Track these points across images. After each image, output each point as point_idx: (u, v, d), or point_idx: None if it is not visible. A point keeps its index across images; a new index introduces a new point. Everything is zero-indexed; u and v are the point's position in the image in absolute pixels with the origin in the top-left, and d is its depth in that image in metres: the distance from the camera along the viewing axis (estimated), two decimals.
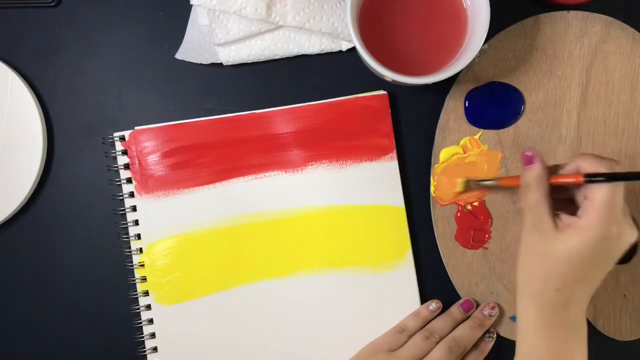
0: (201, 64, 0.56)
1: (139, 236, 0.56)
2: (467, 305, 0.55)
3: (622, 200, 0.42)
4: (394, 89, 0.56)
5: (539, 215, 0.44)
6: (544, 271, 0.44)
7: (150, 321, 0.56)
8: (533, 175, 0.44)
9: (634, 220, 0.46)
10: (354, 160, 0.56)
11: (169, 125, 0.56)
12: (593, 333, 0.55)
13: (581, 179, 0.42)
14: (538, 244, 0.44)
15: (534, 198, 0.44)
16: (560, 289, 0.43)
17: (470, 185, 0.54)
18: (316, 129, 0.56)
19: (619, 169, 0.42)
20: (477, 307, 0.55)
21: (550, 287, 0.44)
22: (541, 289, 0.44)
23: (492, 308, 0.55)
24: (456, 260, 0.56)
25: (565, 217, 0.43)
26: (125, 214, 0.56)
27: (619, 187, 0.42)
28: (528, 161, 0.45)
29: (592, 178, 0.42)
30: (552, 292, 0.44)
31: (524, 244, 0.45)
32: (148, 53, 0.57)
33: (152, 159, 0.56)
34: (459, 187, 0.55)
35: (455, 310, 0.55)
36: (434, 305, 0.55)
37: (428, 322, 0.55)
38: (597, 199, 0.41)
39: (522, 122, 0.55)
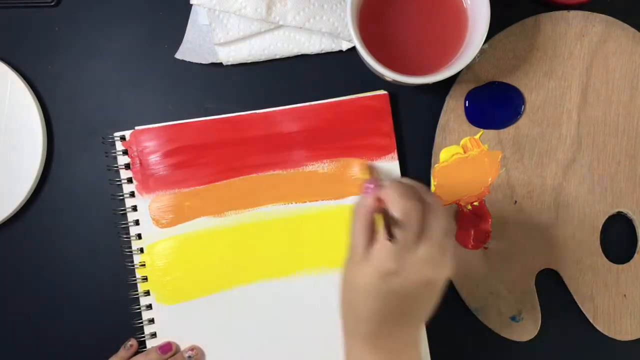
0: (201, 64, 0.56)
1: (139, 236, 0.56)
2: (165, 348, 0.55)
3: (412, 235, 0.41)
4: (394, 88, 0.56)
5: (355, 244, 0.42)
6: (350, 299, 0.43)
7: (152, 321, 0.56)
8: (363, 206, 0.42)
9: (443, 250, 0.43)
10: (354, 160, 0.56)
11: (170, 125, 0.56)
12: (593, 333, 0.55)
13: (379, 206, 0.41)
14: (347, 270, 0.43)
15: (357, 226, 0.42)
16: (363, 321, 0.42)
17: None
18: (317, 129, 0.56)
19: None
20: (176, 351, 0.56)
21: (355, 317, 0.43)
22: (347, 319, 0.44)
23: (192, 349, 0.55)
24: (456, 260, 0.55)
25: (374, 248, 0.41)
26: (125, 213, 0.56)
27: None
28: (366, 191, 0.43)
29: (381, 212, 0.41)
30: (356, 322, 0.43)
31: (343, 273, 0.44)
32: (148, 53, 0.57)
33: (153, 158, 0.56)
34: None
35: (152, 352, 0.55)
36: (128, 344, 0.56)
37: None
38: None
39: (522, 122, 0.55)
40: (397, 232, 0.40)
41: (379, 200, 0.42)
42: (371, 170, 0.44)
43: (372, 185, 0.43)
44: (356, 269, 0.42)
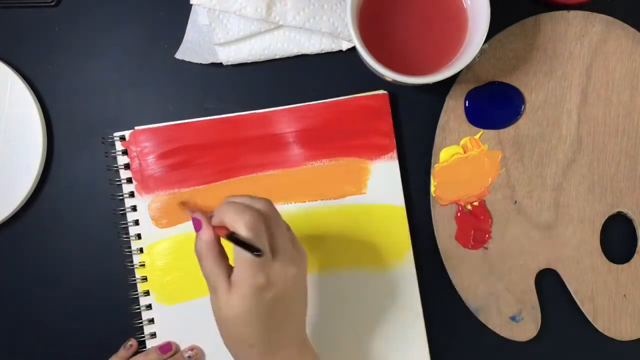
0: (201, 64, 0.56)
1: (139, 236, 0.56)
2: (165, 348, 0.55)
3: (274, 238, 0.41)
4: (394, 88, 0.56)
5: (214, 281, 0.41)
6: (231, 333, 0.43)
7: (151, 321, 0.56)
8: (203, 241, 0.41)
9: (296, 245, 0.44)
10: (354, 159, 0.56)
11: (169, 125, 0.56)
12: (593, 333, 0.55)
13: (223, 234, 0.40)
14: (217, 308, 0.42)
15: (208, 265, 0.41)
16: (254, 345, 0.42)
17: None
18: (316, 129, 0.56)
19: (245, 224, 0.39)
20: (176, 350, 0.55)
21: (245, 346, 0.42)
22: (237, 351, 0.43)
23: (192, 349, 0.55)
24: (456, 260, 0.56)
25: (234, 272, 0.41)
26: (125, 213, 0.56)
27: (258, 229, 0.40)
28: (197, 226, 0.42)
29: (230, 236, 0.40)
30: (248, 349, 0.42)
31: (213, 310, 0.43)
32: (148, 53, 0.57)
33: (153, 158, 0.56)
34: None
35: (152, 352, 0.55)
36: (128, 344, 0.56)
37: None
38: (236, 250, 0.40)
39: (522, 122, 0.55)
40: (252, 246, 0.39)
41: (217, 228, 0.41)
42: (187, 204, 0.44)
43: (200, 217, 0.42)
44: (227, 302, 0.41)
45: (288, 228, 0.45)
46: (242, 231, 0.39)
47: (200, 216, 0.42)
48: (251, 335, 0.42)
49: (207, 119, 0.56)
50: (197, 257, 0.42)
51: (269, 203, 0.43)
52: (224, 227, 0.41)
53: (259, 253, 0.39)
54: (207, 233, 0.41)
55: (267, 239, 0.41)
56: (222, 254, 0.42)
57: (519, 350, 0.56)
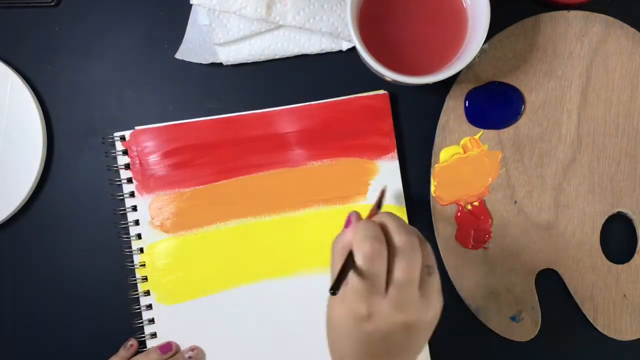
0: (201, 64, 0.56)
1: (139, 236, 0.56)
2: (165, 348, 0.55)
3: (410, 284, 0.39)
4: (394, 88, 0.56)
5: (332, 279, 0.39)
6: (331, 333, 0.42)
7: (152, 321, 0.56)
8: (341, 241, 0.40)
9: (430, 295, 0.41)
10: (354, 159, 0.56)
11: (170, 125, 0.56)
12: (593, 333, 0.55)
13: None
14: (329, 306, 0.41)
15: (334, 263, 0.40)
16: (345, 356, 0.41)
17: None
18: (316, 129, 0.56)
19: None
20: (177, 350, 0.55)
21: (337, 354, 0.41)
22: (332, 350, 0.42)
23: (192, 349, 0.55)
24: (456, 260, 0.56)
25: (347, 286, 0.39)
26: (125, 213, 0.56)
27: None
28: (347, 223, 0.41)
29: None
30: (338, 357, 0.41)
31: (327, 308, 0.42)
32: (148, 53, 0.57)
33: (153, 158, 0.56)
34: None
35: (152, 352, 0.55)
36: (128, 344, 0.56)
37: None
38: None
39: (522, 122, 0.55)
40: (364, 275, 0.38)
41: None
42: (380, 198, 0.43)
43: (353, 218, 0.41)
44: (335, 308, 0.40)
45: (431, 273, 0.41)
46: (358, 258, 0.38)
47: (354, 218, 0.41)
48: (345, 348, 0.41)
49: (207, 119, 0.56)
50: (332, 250, 0.41)
51: (408, 240, 0.39)
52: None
53: (333, 292, 0.36)
54: (347, 238, 0.40)
55: (382, 279, 0.38)
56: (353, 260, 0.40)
57: (519, 350, 0.56)
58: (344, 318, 0.39)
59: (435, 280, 0.41)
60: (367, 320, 0.39)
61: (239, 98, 0.57)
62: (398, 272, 0.39)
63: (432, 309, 0.40)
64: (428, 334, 0.42)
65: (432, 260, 0.41)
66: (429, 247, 0.42)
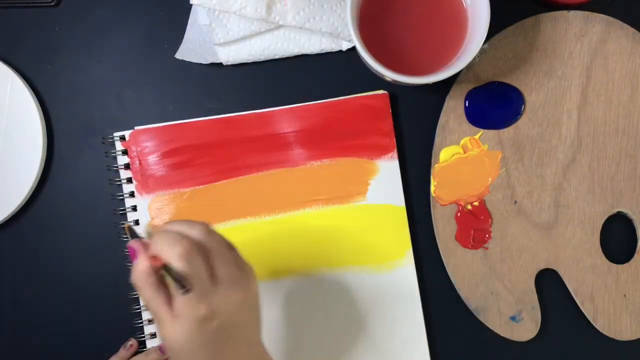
0: (201, 64, 0.56)
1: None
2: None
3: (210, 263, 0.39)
4: (394, 88, 0.56)
5: (155, 311, 0.40)
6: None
7: (152, 321, 0.56)
8: (139, 272, 0.39)
9: (242, 265, 0.42)
10: (354, 159, 0.56)
11: (170, 125, 0.56)
12: (593, 333, 0.55)
13: (158, 264, 0.39)
14: (163, 337, 0.40)
15: (147, 295, 0.39)
16: None
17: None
18: (316, 129, 0.56)
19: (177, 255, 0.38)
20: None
21: None
22: None
23: None
24: (456, 260, 0.56)
25: (176, 302, 0.39)
26: (125, 213, 0.56)
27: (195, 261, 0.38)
28: (132, 255, 0.40)
29: (164, 268, 0.38)
30: None
31: (160, 338, 0.41)
32: (148, 53, 0.57)
33: (153, 158, 0.56)
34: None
35: (153, 352, 0.54)
36: (128, 344, 0.55)
37: None
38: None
39: (522, 122, 0.55)
40: (189, 277, 0.38)
41: (153, 258, 0.39)
42: (131, 231, 0.42)
43: (136, 247, 0.40)
44: (171, 333, 0.39)
45: (231, 248, 0.43)
46: (176, 263, 0.38)
47: (137, 245, 0.40)
48: (199, 358, 0.40)
49: (207, 119, 0.56)
50: (135, 287, 0.40)
51: (206, 227, 0.41)
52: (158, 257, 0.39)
53: (187, 289, 0.38)
54: (142, 264, 0.39)
55: (206, 268, 0.39)
56: (162, 282, 0.40)
57: (519, 350, 0.56)
58: (187, 331, 0.39)
59: (236, 253, 0.43)
60: (210, 317, 0.39)
61: (239, 98, 0.57)
62: (218, 258, 0.40)
63: (251, 277, 0.42)
64: (259, 301, 0.43)
65: (225, 237, 0.43)
66: (213, 227, 0.43)
